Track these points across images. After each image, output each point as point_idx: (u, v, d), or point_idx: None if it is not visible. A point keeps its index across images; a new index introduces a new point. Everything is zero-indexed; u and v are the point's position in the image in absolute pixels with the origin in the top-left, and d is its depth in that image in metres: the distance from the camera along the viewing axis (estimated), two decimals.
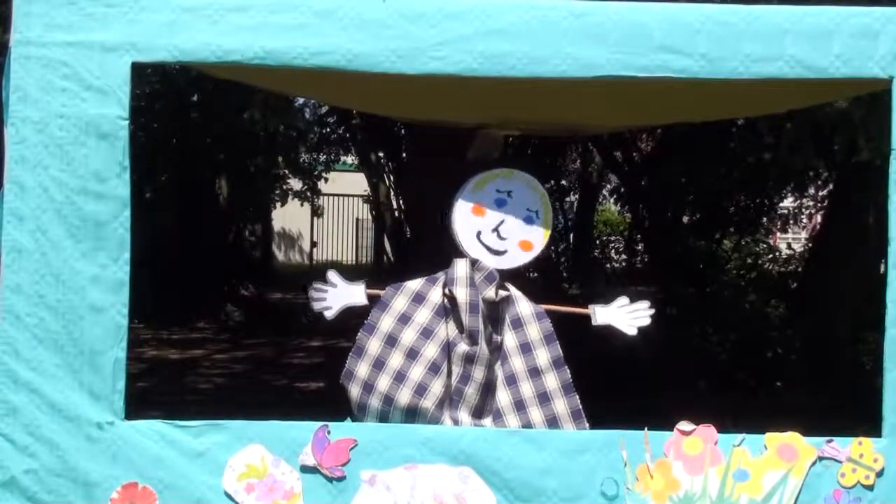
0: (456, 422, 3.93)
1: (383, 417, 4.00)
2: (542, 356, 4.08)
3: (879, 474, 3.44)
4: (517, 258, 4.08)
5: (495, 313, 4.08)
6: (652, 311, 4.19)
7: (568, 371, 4.07)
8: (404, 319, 4.07)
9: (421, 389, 3.94)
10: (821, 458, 3.46)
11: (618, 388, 9.80)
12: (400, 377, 3.98)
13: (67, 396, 3.40)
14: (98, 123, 3.40)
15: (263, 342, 15.00)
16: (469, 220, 4.08)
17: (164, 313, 15.62)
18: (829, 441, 3.47)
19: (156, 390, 10.63)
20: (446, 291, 4.04)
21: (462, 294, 3.98)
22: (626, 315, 4.20)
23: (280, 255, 30.52)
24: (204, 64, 3.53)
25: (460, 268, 4.02)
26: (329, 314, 4.11)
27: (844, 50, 3.44)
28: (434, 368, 3.97)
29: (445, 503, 3.46)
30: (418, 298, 4.09)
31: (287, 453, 3.49)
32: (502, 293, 4.06)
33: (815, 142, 8.07)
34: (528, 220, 4.10)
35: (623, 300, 4.22)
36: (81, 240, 3.40)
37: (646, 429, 3.51)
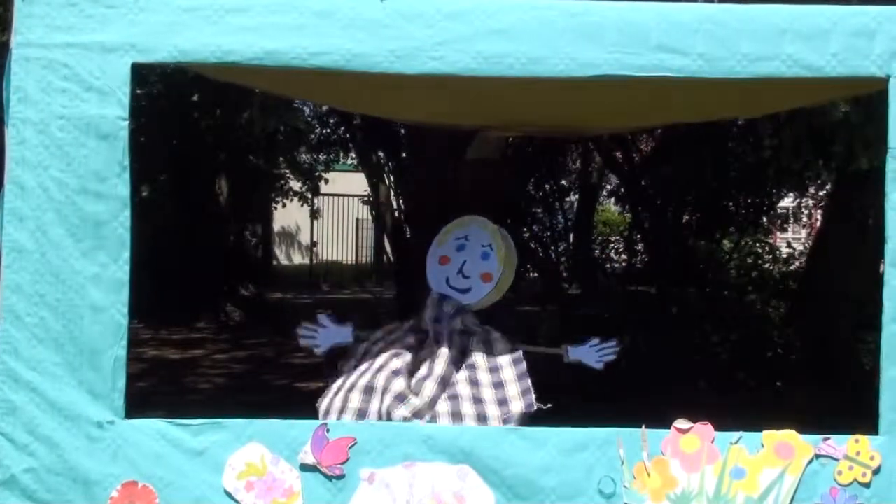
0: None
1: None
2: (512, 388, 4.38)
3: (876, 472, 3.45)
4: (481, 290, 4.55)
5: (470, 356, 4.41)
6: (618, 348, 4.61)
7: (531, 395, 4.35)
8: (377, 349, 4.50)
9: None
10: (817, 456, 3.47)
11: (618, 388, 9.81)
12: (369, 389, 4.28)
13: (67, 395, 3.41)
14: (98, 124, 3.42)
15: (263, 342, 15.00)
16: (438, 272, 4.64)
17: (164, 313, 15.62)
18: (826, 439, 3.48)
19: (156, 390, 10.64)
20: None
21: (427, 313, 4.46)
22: (596, 353, 4.60)
23: (280, 255, 30.53)
24: (204, 65, 3.54)
25: (428, 299, 4.55)
26: (319, 351, 4.67)
27: (841, 49, 3.46)
28: (396, 373, 4.29)
29: (444, 501, 3.46)
30: (389, 333, 4.58)
31: (286, 452, 3.50)
32: (477, 330, 4.46)
33: (814, 144, 8.09)
34: (485, 256, 4.62)
35: (595, 340, 4.61)
36: (81, 239, 3.42)
37: (643, 427, 3.51)
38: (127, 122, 3.44)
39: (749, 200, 14.61)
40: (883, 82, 3.48)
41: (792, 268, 14.81)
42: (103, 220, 3.43)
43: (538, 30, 3.49)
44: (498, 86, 3.61)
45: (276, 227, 29.44)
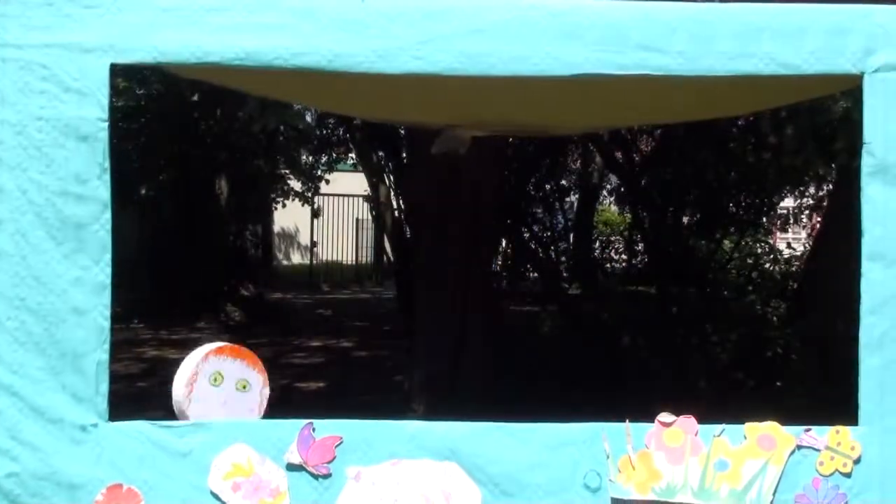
0: None
1: None
2: None
3: (857, 462, 3.47)
4: None
5: None
6: None
7: None
8: None
9: None
10: (799, 447, 3.48)
11: (617, 388, 9.83)
12: None
13: (50, 399, 3.39)
14: (77, 125, 3.40)
15: (263, 342, 15.02)
16: None
17: (164, 313, 15.66)
18: (808, 430, 3.50)
19: (156, 390, 10.66)
20: None
21: None
22: None
23: (280, 255, 30.58)
24: (184, 65, 3.53)
25: None
26: None
27: (817, 47, 3.47)
28: None
29: (431, 499, 3.46)
30: None
31: (272, 452, 3.49)
32: None
33: (817, 142, 8.09)
34: None
35: None
36: (62, 242, 3.39)
37: (627, 421, 3.52)
38: (107, 124, 3.42)
39: (749, 201, 14.63)
40: (857, 79, 3.51)
41: (793, 268, 14.82)
42: (84, 223, 3.41)
43: (520, 29, 3.49)
44: (477, 84, 3.61)
45: (276, 227, 29.48)
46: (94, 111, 3.41)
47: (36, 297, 3.39)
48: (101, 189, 3.43)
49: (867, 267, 3.48)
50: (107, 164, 3.43)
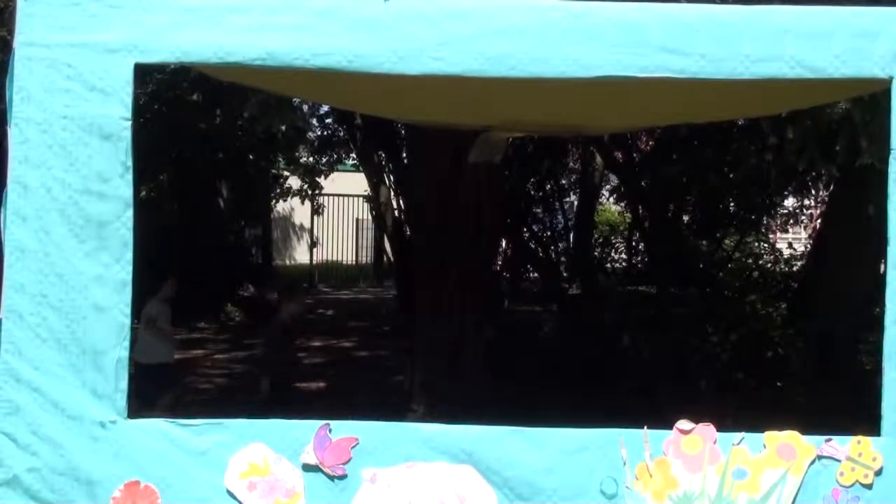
0: None
1: None
2: None
3: (878, 473, 3.44)
4: None
5: None
6: None
7: None
8: None
9: None
10: (820, 457, 3.45)
11: (618, 388, 9.83)
12: None
13: (70, 395, 3.40)
14: (101, 124, 3.41)
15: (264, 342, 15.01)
16: None
17: None
18: (828, 440, 3.46)
19: None
20: None
21: None
22: None
23: (280, 256, 30.49)
24: (206, 65, 3.54)
25: None
26: None
27: (844, 50, 3.44)
28: None
29: (446, 501, 3.46)
30: None
31: (289, 452, 3.48)
32: None
33: (818, 143, 8.08)
34: None
35: None
36: (84, 240, 3.40)
37: (645, 427, 3.50)
38: (130, 123, 3.43)
39: (750, 201, 14.63)
40: (886, 83, 3.47)
41: (794, 269, 14.83)
42: (106, 221, 3.42)
43: (540, 30, 3.48)
44: (500, 85, 3.60)
45: (277, 227, 29.40)
46: (117, 110, 3.42)
47: (58, 293, 3.40)
48: (124, 187, 3.44)
49: (892, 276, 3.43)
50: (129, 163, 3.44)
